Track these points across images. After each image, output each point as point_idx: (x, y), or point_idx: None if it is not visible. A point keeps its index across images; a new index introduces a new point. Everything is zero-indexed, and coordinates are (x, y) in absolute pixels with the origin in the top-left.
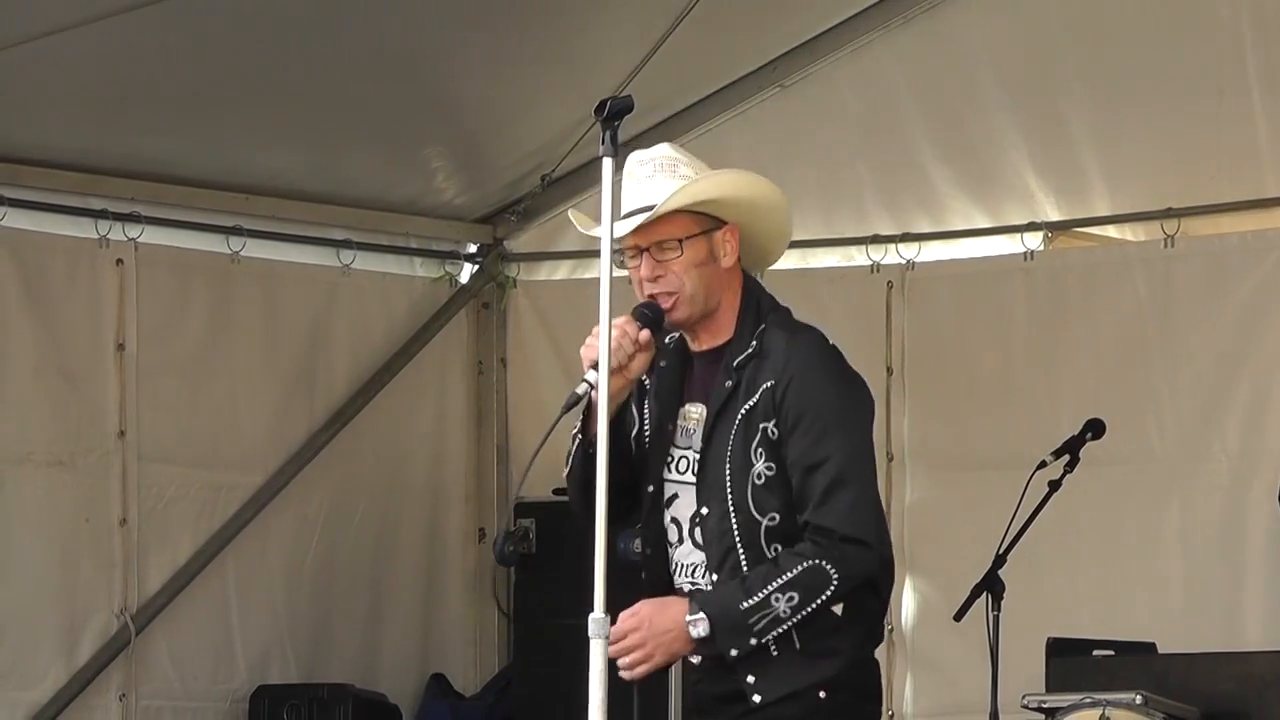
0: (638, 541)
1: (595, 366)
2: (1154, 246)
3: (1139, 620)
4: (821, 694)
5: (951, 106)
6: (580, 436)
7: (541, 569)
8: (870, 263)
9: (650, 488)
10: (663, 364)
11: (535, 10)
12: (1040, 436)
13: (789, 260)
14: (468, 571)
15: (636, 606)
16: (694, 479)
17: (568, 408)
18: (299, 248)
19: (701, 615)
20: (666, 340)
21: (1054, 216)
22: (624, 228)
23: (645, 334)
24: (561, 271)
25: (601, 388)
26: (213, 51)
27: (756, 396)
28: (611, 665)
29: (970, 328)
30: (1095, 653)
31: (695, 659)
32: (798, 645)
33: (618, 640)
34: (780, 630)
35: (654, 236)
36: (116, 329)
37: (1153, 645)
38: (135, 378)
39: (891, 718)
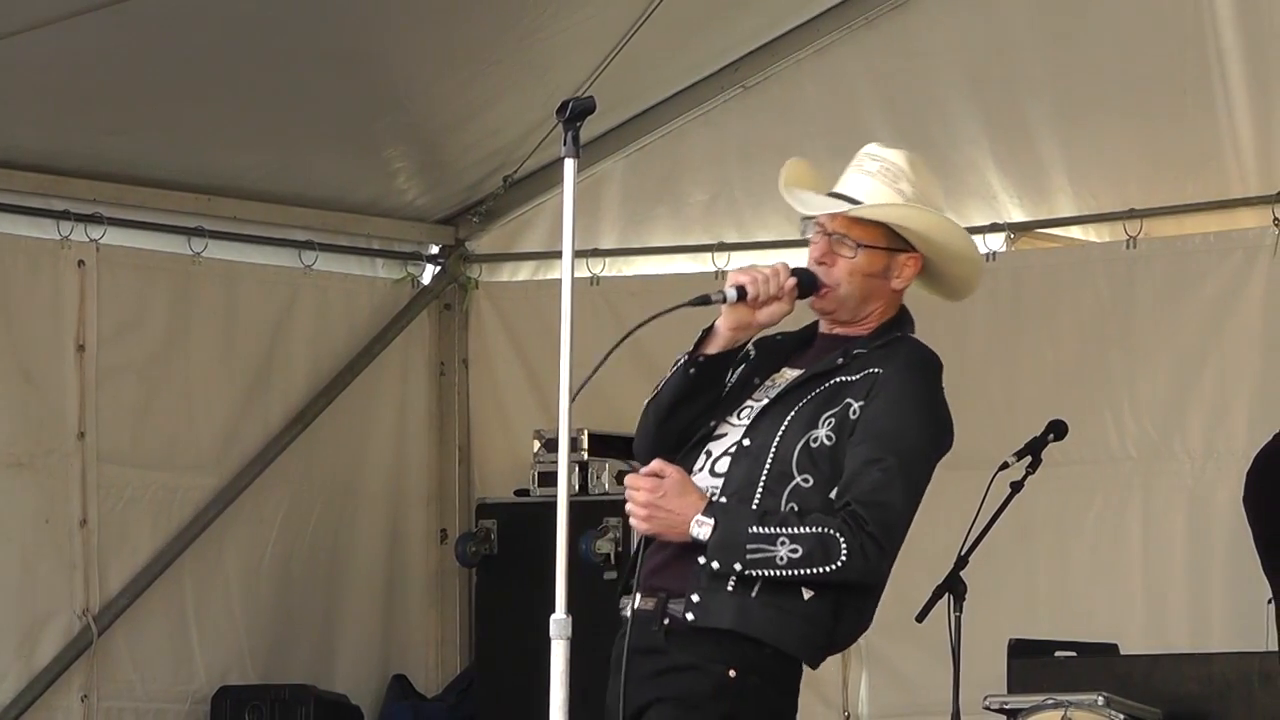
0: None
1: (739, 289)
2: (1116, 247)
3: (1101, 621)
4: (731, 672)
5: (914, 107)
6: (688, 355)
7: (503, 570)
8: None
9: (713, 424)
10: (779, 338)
11: (496, 10)
12: (1001, 438)
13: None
14: (429, 572)
15: (671, 469)
16: (748, 421)
17: (696, 303)
18: (261, 249)
19: (711, 520)
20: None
21: (1017, 217)
22: (818, 208)
23: (792, 282)
24: (523, 273)
25: (564, 384)
26: (175, 53)
27: (859, 375)
28: (573, 666)
29: (931, 329)
30: (1057, 654)
31: (627, 612)
32: (752, 594)
33: (635, 485)
34: (766, 574)
35: (839, 228)
36: (77, 330)
37: (1115, 646)
38: (95, 379)
39: (847, 718)
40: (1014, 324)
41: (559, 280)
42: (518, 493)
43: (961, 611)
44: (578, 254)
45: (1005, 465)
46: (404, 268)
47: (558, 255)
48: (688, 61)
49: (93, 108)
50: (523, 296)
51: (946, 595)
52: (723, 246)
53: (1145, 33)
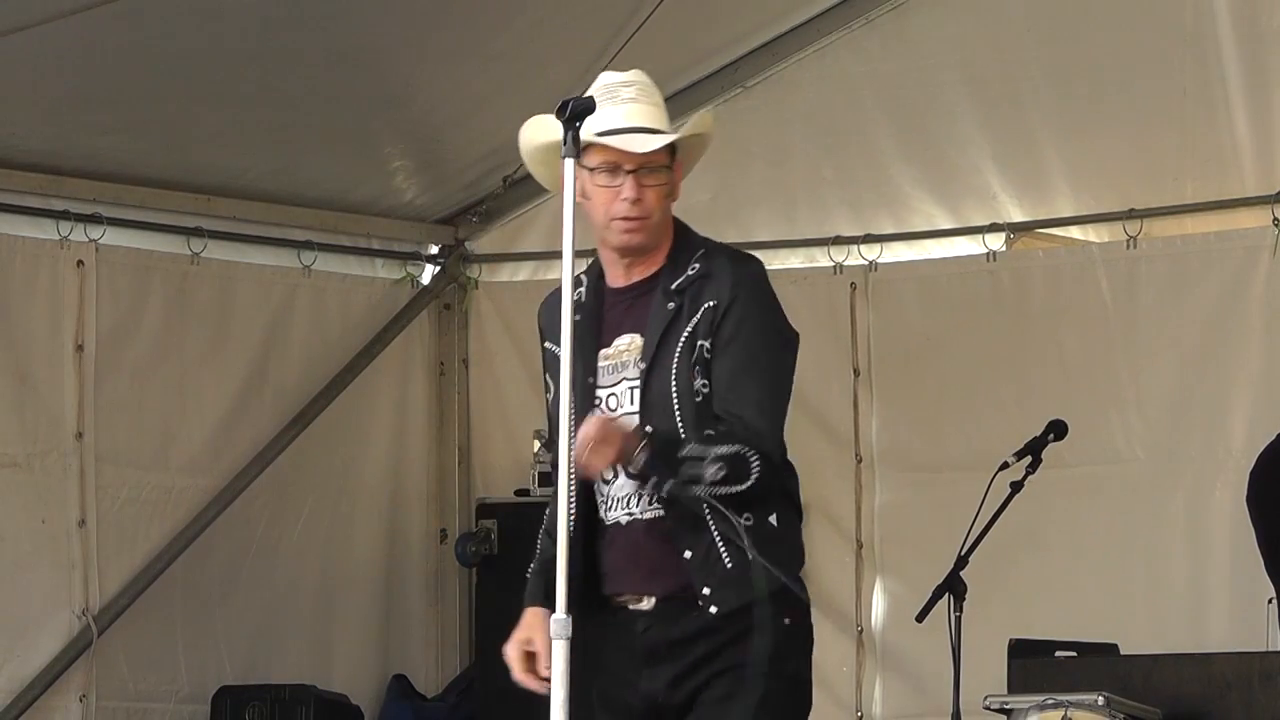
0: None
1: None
2: (1117, 248)
3: (1101, 621)
4: (787, 620)
5: (914, 107)
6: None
7: (503, 570)
8: (833, 264)
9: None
10: (578, 318)
11: (495, 9)
12: (1009, 437)
13: None
14: (429, 572)
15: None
16: (633, 407)
17: None
18: (260, 249)
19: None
20: (576, 297)
21: (1017, 217)
22: (650, 145)
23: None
24: (523, 273)
25: (565, 383)
26: (174, 52)
27: (698, 316)
28: (573, 666)
29: (935, 329)
30: (1057, 654)
31: (645, 605)
32: (748, 555)
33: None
34: (695, 492)
35: (645, 161)
36: (76, 330)
37: (1115, 646)
38: (94, 379)
39: (861, 718)
40: (1016, 324)
41: (559, 280)
42: (518, 493)
43: (961, 611)
44: (578, 254)
45: (1005, 465)
46: (403, 268)
47: (558, 255)
48: (687, 62)
49: (93, 108)
50: (522, 296)
51: (947, 595)
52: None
53: (1145, 33)
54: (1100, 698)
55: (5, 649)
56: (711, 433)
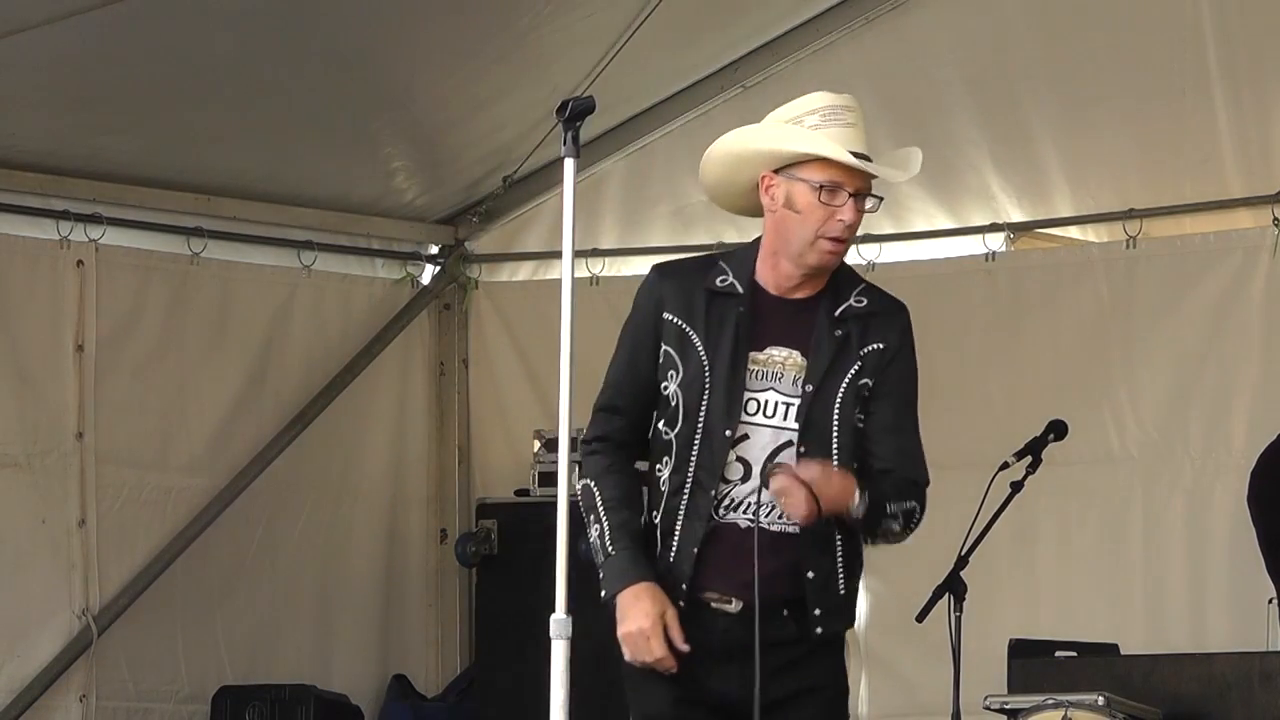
0: (668, 477)
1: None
2: (1116, 247)
3: (1101, 622)
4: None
5: (913, 107)
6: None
7: (503, 570)
8: None
9: (727, 431)
10: (741, 310)
11: (496, 9)
12: (1001, 438)
13: None
14: (429, 572)
15: (807, 468)
16: (785, 423)
17: None
18: (260, 249)
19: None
20: (719, 281)
21: (1016, 217)
22: (893, 174)
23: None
24: (523, 273)
25: (564, 384)
26: (175, 52)
27: (865, 354)
28: (573, 666)
29: (932, 329)
30: (1057, 654)
31: (731, 607)
32: (854, 588)
33: (798, 477)
34: (884, 527)
35: (866, 186)
36: (76, 330)
37: (1115, 646)
38: (94, 379)
39: None
40: (1014, 324)
41: (559, 280)
42: (518, 493)
43: (961, 611)
44: (578, 254)
45: (1005, 465)
46: (403, 268)
47: (557, 255)
48: (687, 61)
49: (93, 108)
50: (523, 296)
51: (946, 595)
52: (723, 247)
53: (1144, 33)
54: (1100, 698)
55: (5, 649)
56: (889, 487)
